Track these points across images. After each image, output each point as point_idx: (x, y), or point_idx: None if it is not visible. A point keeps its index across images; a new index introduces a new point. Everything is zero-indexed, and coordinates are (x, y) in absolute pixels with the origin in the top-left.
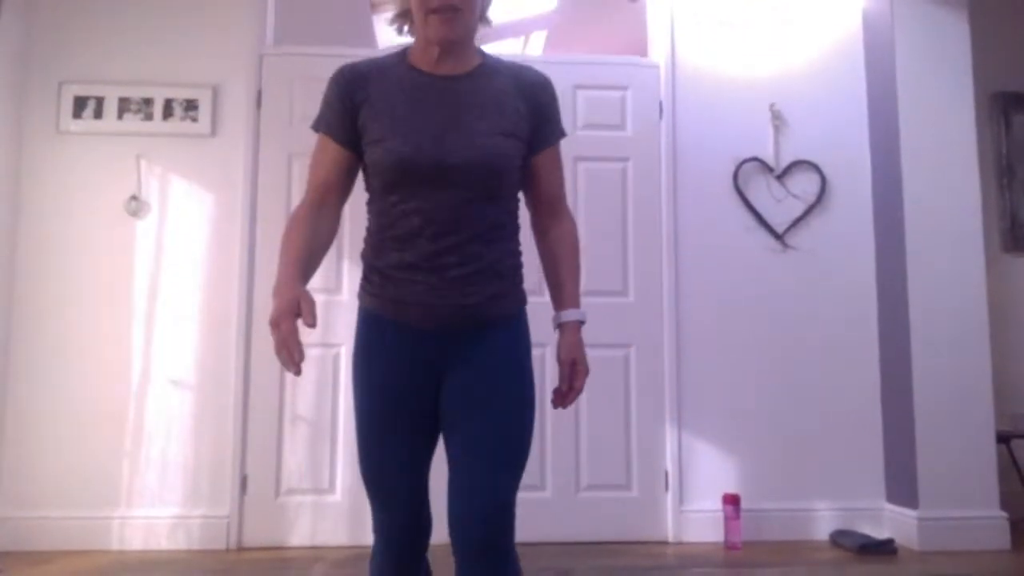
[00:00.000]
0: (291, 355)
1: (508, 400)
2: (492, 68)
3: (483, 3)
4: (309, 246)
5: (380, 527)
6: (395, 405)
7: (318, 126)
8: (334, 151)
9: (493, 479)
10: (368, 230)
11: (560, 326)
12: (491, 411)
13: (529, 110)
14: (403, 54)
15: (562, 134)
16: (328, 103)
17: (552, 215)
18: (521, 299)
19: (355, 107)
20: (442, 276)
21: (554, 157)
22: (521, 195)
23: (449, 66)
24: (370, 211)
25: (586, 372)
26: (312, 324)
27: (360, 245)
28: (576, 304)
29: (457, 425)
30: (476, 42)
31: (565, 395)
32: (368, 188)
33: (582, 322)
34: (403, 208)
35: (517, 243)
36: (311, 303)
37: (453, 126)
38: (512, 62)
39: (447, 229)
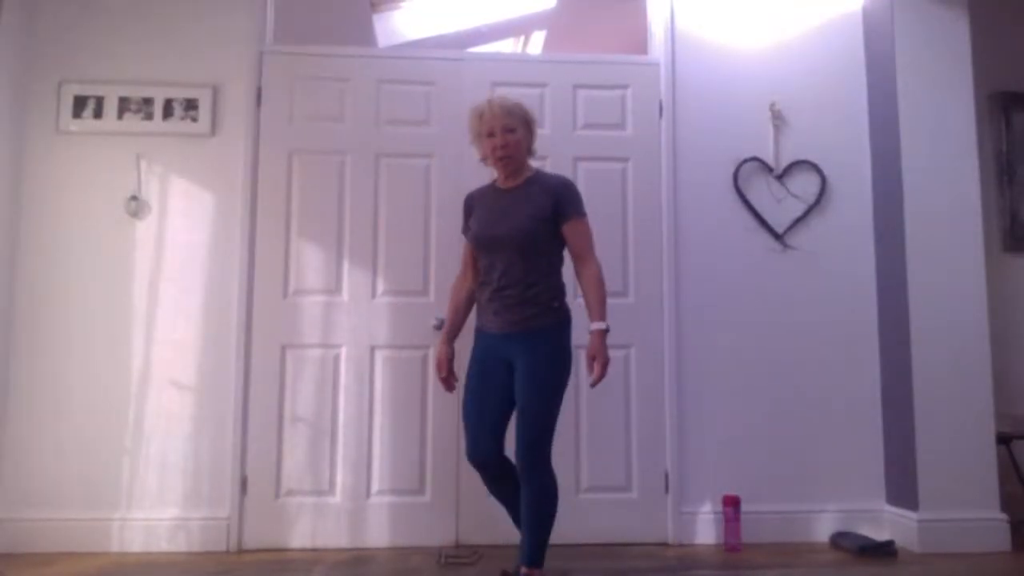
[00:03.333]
0: (445, 386)
1: (535, 388)
2: (533, 179)
3: (529, 145)
4: (457, 305)
5: (466, 439)
6: (484, 374)
7: (463, 231)
8: (468, 242)
9: (526, 436)
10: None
11: (590, 332)
12: (525, 395)
13: (552, 201)
14: (494, 182)
15: (578, 214)
16: (464, 217)
17: (580, 262)
18: (552, 317)
19: (469, 215)
20: (503, 302)
21: (575, 227)
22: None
23: (511, 183)
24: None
25: (603, 362)
26: (447, 379)
27: (360, 246)
28: (598, 318)
29: (516, 400)
30: (528, 167)
31: (594, 380)
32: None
33: (603, 330)
34: (485, 263)
35: (546, 285)
36: (451, 357)
37: (505, 215)
38: (547, 173)
39: (503, 275)
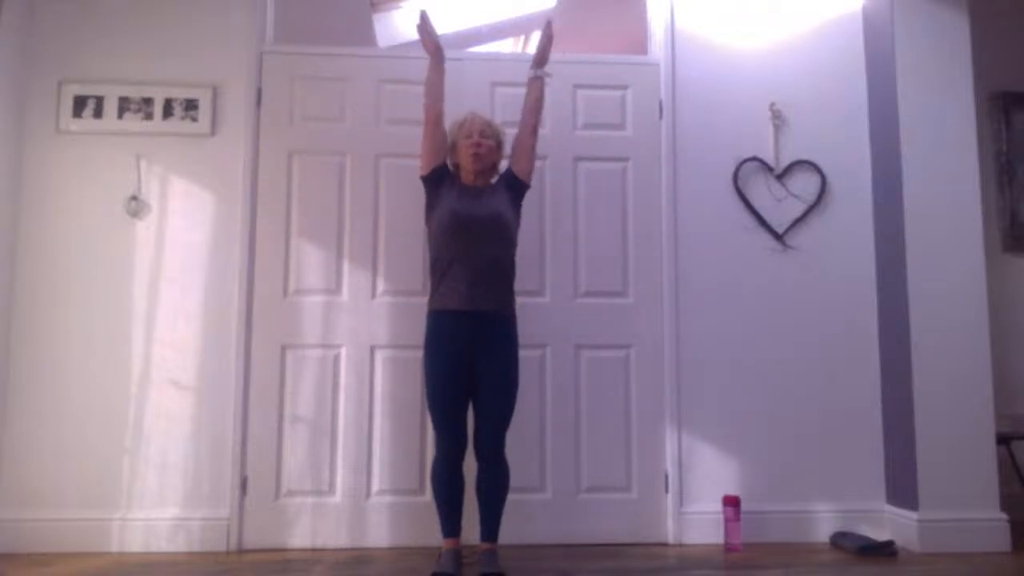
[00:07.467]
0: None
1: (503, 385)
2: (497, 182)
3: (498, 160)
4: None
5: (440, 441)
6: (451, 364)
7: (429, 170)
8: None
9: (495, 429)
10: (432, 262)
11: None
12: (493, 392)
13: (506, 182)
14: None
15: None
16: (437, 170)
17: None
18: (512, 303)
19: (440, 178)
20: (475, 282)
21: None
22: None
23: (480, 183)
24: (431, 248)
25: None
26: (432, 42)
27: (360, 246)
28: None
29: (478, 395)
30: (495, 172)
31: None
32: (431, 240)
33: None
34: (454, 243)
35: (511, 269)
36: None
37: (481, 204)
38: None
39: (478, 254)
